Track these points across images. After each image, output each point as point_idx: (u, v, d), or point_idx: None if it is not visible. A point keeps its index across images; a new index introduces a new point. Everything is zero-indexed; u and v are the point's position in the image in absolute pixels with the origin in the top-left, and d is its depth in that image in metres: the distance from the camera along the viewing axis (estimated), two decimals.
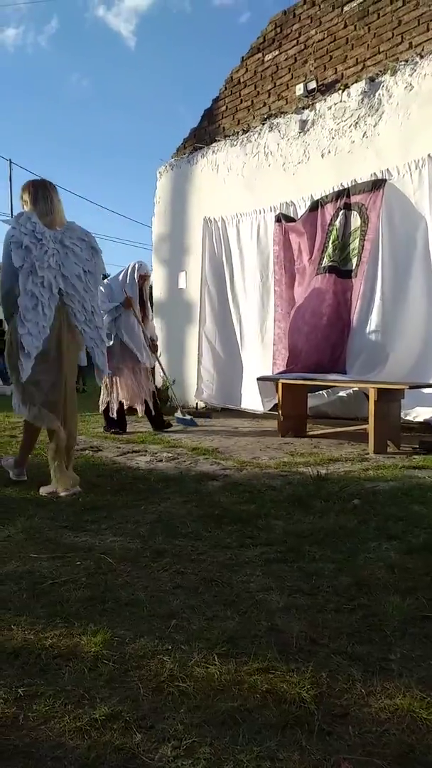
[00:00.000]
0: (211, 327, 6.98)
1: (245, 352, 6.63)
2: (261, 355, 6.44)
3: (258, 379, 5.81)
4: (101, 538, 2.69)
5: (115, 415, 5.86)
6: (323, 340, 5.35)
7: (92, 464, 4.28)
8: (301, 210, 6.18)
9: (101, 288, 4.24)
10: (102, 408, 5.94)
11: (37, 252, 3.28)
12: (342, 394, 6.07)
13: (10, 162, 12.65)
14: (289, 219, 6.23)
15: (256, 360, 6.52)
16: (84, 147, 67.93)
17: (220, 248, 6.99)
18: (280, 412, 5.31)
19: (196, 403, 7.58)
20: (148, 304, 6.12)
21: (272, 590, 2.12)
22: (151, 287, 6.47)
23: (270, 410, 6.00)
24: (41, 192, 3.46)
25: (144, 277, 5.89)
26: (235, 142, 7.61)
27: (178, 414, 6.47)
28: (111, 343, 5.62)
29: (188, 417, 6.40)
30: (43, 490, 3.48)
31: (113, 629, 1.84)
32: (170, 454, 4.61)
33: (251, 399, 6.33)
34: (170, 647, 1.74)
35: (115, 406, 5.81)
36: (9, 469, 3.88)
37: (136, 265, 5.85)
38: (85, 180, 58.63)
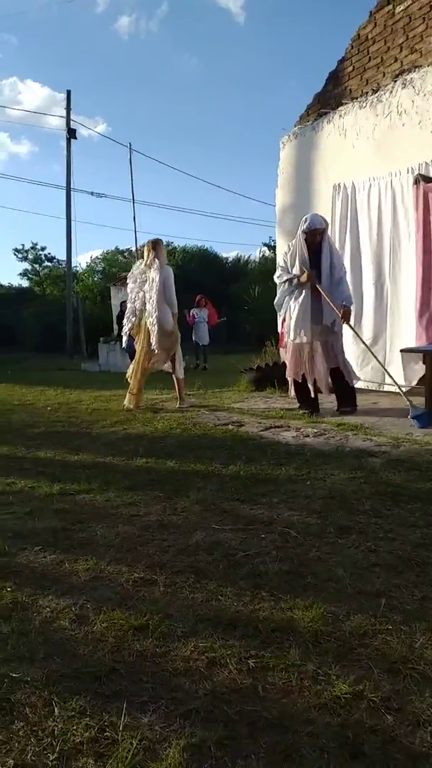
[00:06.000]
0: None
1: (381, 324, 6.34)
2: (397, 326, 6.13)
3: (402, 350, 5.53)
4: (277, 512, 2.67)
5: (306, 393, 5.36)
6: None
7: (240, 439, 4.30)
8: None
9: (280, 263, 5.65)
10: (291, 389, 5.71)
11: (130, 279, 6.32)
12: None
13: (130, 146, 12.85)
14: (429, 180, 5.81)
15: (392, 332, 6.22)
16: (197, 127, 67.36)
17: (351, 215, 6.70)
18: (427, 386, 5.03)
19: None
20: (329, 262, 5.16)
21: None
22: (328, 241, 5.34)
23: (416, 385, 5.70)
24: (147, 250, 6.18)
25: (313, 233, 5.12)
26: (363, 104, 7.22)
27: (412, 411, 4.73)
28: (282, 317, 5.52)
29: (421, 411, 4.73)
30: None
31: (323, 605, 1.80)
32: (316, 430, 4.53)
33: (390, 373, 6.06)
34: (390, 627, 1.68)
35: (291, 384, 5.58)
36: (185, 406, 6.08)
37: (300, 225, 5.22)
38: (202, 159, 59.24)
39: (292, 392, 5.69)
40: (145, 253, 6.20)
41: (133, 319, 6.16)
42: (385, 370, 5.41)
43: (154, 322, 5.89)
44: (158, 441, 4.37)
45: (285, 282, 5.33)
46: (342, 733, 1.27)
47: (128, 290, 6.30)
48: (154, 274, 5.93)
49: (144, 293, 6.03)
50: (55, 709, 1.38)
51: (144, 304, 6.03)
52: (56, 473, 3.51)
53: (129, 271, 14.79)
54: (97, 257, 30.23)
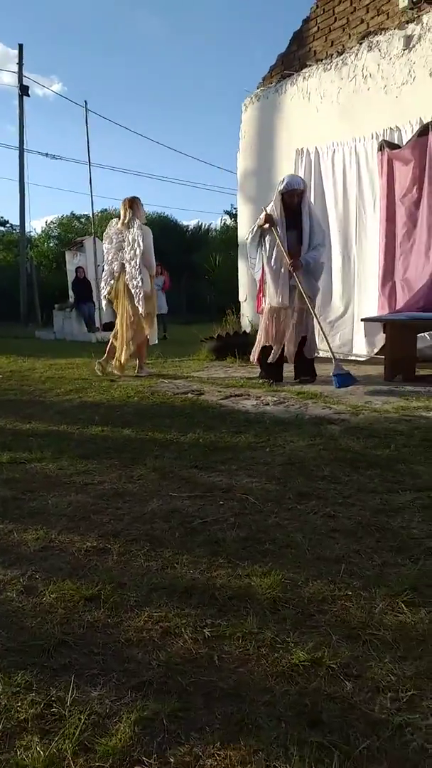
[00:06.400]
0: None
1: (342, 293, 6.32)
2: (364, 295, 6.12)
3: (363, 320, 5.52)
4: (236, 479, 2.62)
5: (270, 360, 5.23)
6: None
7: (200, 407, 4.22)
8: (408, 136, 5.69)
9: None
10: (254, 354, 5.45)
11: (107, 240, 5.95)
12: None
13: (85, 105, 12.29)
14: (394, 146, 5.76)
15: (356, 301, 6.21)
16: (158, 90, 63.95)
17: (315, 180, 6.60)
18: (387, 355, 5.05)
19: None
20: (309, 225, 5.03)
21: None
22: (308, 205, 5.15)
23: (376, 354, 5.72)
24: (122, 209, 5.89)
25: (291, 194, 5.00)
26: (328, 66, 7.07)
27: (335, 369, 4.82)
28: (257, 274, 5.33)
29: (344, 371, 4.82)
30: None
31: (281, 571, 1.76)
32: (276, 398, 4.49)
33: (351, 342, 6.07)
34: (349, 593, 1.65)
35: (257, 349, 5.32)
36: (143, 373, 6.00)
37: (277, 185, 5.16)
38: (162, 123, 57.15)
39: (253, 357, 5.50)
40: (122, 212, 5.91)
41: (112, 281, 5.90)
42: (323, 333, 5.25)
43: (139, 284, 5.66)
44: (115, 409, 4.25)
45: (249, 237, 5.24)
46: (300, 702, 1.23)
47: (104, 251, 6.01)
48: (134, 234, 5.70)
49: (123, 254, 5.77)
50: None
51: (122, 266, 5.79)
52: (6, 442, 3.37)
53: (85, 235, 14.43)
54: (52, 222, 29.32)
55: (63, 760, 1.09)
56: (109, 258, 5.89)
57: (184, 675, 1.32)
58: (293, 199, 5.04)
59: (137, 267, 5.68)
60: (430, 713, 1.18)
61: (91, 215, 14.58)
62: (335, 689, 1.27)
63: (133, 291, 5.72)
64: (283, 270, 5.04)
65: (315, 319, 5.12)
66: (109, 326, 12.31)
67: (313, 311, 5.08)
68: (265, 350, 5.30)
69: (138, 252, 5.66)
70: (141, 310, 5.75)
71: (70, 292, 13.47)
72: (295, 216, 5.07)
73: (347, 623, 1.51)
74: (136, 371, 6.00)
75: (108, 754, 1.10)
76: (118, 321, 5.99)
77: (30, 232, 25.54)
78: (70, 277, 13.47)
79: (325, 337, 5.17)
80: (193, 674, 1.33)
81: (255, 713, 1.20)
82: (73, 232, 26.41)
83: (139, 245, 5.67)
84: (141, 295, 5.71)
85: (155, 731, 1.16)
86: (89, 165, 12.60)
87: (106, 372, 5.91)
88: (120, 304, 5.89)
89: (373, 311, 5.77)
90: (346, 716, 1.19)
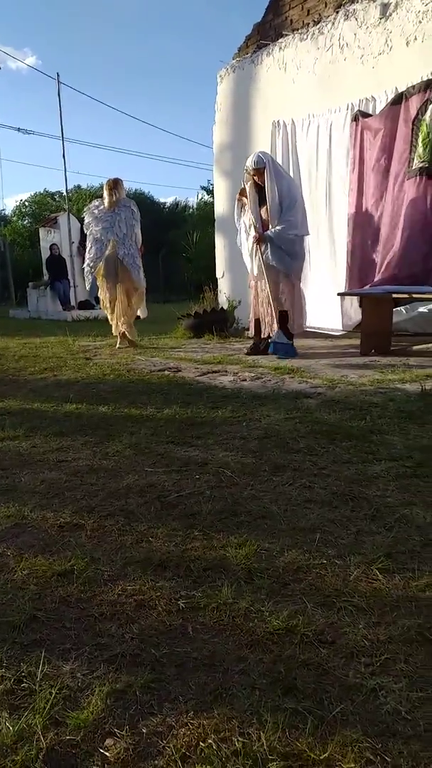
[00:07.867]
0: None
1: (316, 267, 6.28)
2: (333, 270, 6.09)
3: (339, 294, 5.49)
4: (212, 453, 2.59)
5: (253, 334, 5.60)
6: (414, 251, 4.93)
7: (177, 383, 4.18)
8: (382, 105, 5.62)
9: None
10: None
11: (93, 221, 6.07)
12: (423, 309, 5.73)
13: (57, 77, 11.92)
14: (368, 116, 5.68)
15: (328, 275, 6.18)
16: (134, 63, 61.90)
17: (292, 154, 6.51)
18: (363, 329, 5.04)
19: None
20: (276, 200, 5.07)
21: (415, 505, 1.98)
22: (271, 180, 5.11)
23: (353, 330, 5.72)
24: (108, 190, 6.03)
25: (255, 172, 5.10)
26: (305, 36, 6.92)
27: (276, 337, 5.19)
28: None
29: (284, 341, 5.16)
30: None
31: (257, 542, 1.75)
32: (253, 374, 4.46)
33: (325, 317, 6.04)
34: (324, 561, 1.64)
35: (251, 325, 5.57)
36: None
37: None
38: (136, 98, 55.70)
39: (251, 332, 5.62)
40: (106, 194, 6.05)
41: (101, 262, 6.03)
42: (273, 306, 5.29)
43: (136, 259, 5.92)
44: (90, 387, 4.19)
45: (235, 210, 5.48)
46: (274, 669, 1.22)
47: (88, 231, 6.13)
48: (127, 212, 5.95)
49: (115, 231, 5.92)
50: None
51: (116, 248, 5.94)
52: None
53: (59, 212, 14.29)
54: (26, 201, 28.70)
55: (33, 734, 1.07)
56: (98, 236, 5.98)
57: (157, 647, 1.31)
58: (256, 176, 5.14)
59: (132, 242, 5.92)
60: (403, 676, 1.19)
61: (65, 192, 14.23)
62: (310, 656, 1.26)
63: (129, 267, 5.90)
64: (251, 243, 5.21)
65: (269, 295, 5.18)
66: (84, 304, 12.15)
67: (270, 284, 5.16)
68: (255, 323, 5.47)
69: (136, 229, 5.94)
70: (141, 283, 6.00)
71: (45, 270, 13.22)
72: (262, 191, 5.18)
73: (322, 591, 1.50)
74: (118, 344, 6.08)
75: (79, 727, 1.08)
76: (109, 298, 6.11)
77: (3, 209, 24.98)
78: (44, 254, 13.20)
79: (275, 310, 5.22)
80: (167, 645, 1.31)
81: (229, 682, 1.19)
82: (47, 209, 25.88)
83: (137, 220, 5.97)
84: (139, 269, 5.97)
85: (128, 703, 1.15)
86: (62, 140, 12.28)
87: (135, 344, 6.21)
88: (106, 281, 6.05)
89: (338, 286, 5.79)
90: (320, 682, 1.18)
